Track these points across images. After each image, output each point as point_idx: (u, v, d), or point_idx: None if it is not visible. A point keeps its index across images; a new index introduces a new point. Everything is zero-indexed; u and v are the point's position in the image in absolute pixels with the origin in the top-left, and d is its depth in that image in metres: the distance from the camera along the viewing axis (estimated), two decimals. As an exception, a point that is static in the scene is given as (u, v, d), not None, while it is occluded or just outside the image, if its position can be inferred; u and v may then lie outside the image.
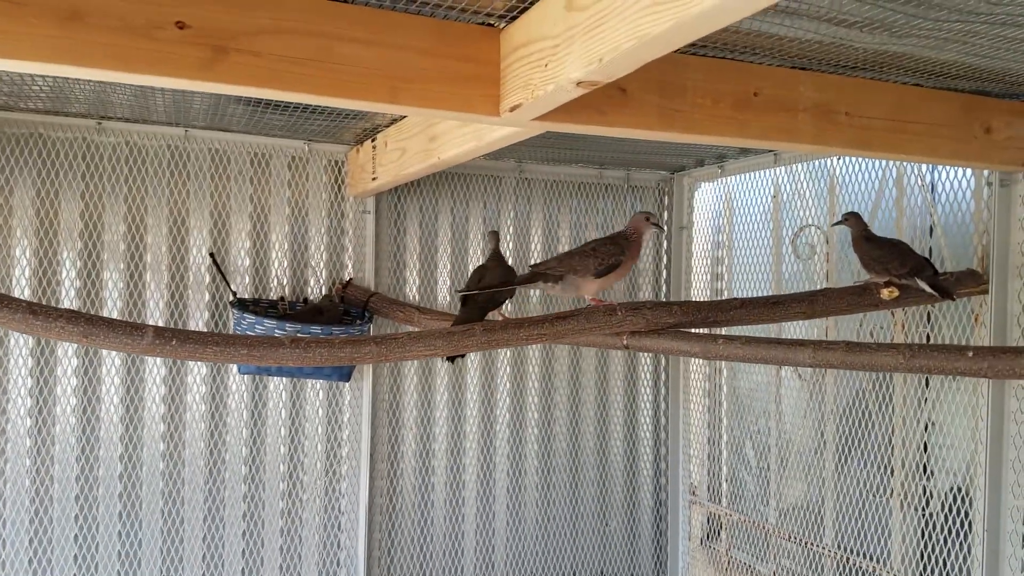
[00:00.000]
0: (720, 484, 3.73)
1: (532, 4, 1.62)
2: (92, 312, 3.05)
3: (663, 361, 3.97)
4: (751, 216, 3.53)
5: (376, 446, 3.48)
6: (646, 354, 3.92)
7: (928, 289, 2.27)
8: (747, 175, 3.53)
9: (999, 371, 1.75)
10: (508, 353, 3.69)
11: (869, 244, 2.42)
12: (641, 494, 3.94)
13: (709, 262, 3.79)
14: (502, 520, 3.71)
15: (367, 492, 3.41)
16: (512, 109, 1.70)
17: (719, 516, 3.72)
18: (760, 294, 3.45)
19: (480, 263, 2.99)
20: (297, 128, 3.10)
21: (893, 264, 2.36)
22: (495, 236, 2.72)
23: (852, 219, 2.48)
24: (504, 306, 2.97)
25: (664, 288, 3.96)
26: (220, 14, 1.54)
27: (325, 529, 3.40)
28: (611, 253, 2.45)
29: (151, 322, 3.16)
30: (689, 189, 3.88)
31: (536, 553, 3.76)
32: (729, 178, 3.65)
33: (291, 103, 2.36)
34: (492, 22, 1.74)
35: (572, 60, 1.44)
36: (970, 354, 1.78)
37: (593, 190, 3.83)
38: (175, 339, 2.16)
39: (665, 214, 3.95)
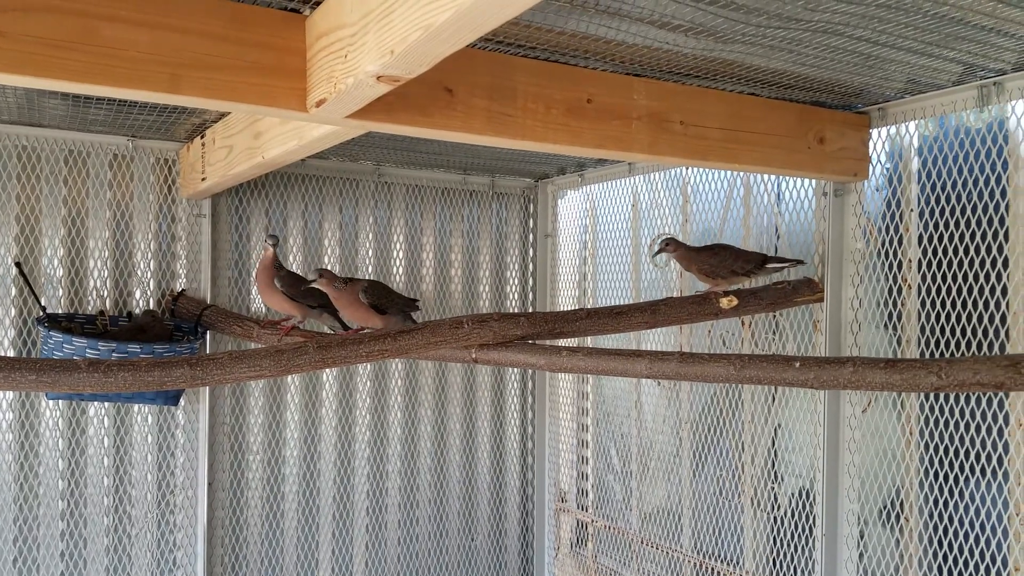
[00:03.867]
0: (587, 490, 3.69)
1: (336, -11, 1.46)
2: None
3: (520, 368, 3.90)
4: (613, 224, 3.52)
5: (216, 474, 3.19)
6: (512, 364, 3.83)
7: (784, 265, 2.45)
8: (608, 183, 3.52)
9: (824, 381, 1.75)
10: (369, 367, 3.50)
11: (701, 255, 2.43)
12: (508, 505, 3.85)
13: (575, 270, 3.75)
14: (361, 546, 3.51)
15: (205, 524, 3.12)
16: (318, 104, 1.53)
17: (585, 523, 3.69)
18: (622, 302, 3.44)
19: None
20: (119, 123, 2.80)
21: (739, 264, 2.40)
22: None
23: (672, 243, 2.50)
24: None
25: (530, 296, 3.89)
26: (-51, -17, 1.30)
27: (158, 565, 3.08)
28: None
29: (-56, 342, 2.76)
30: (553, 197, 3.83)
31: (398, 576, 3.58)
32: (591, 186, 3.62)
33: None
34: (297, 7, 1.57)
35: (368, 51, 1.29)
36: (797, 365, 1.77)
37: (457, 196, 3.71)
38: (-53, 364, 1.86)
39: (530, 221, 3.88)
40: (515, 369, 3.87)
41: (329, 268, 3.31)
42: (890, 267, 2.38)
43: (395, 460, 3.57)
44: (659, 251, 2.50)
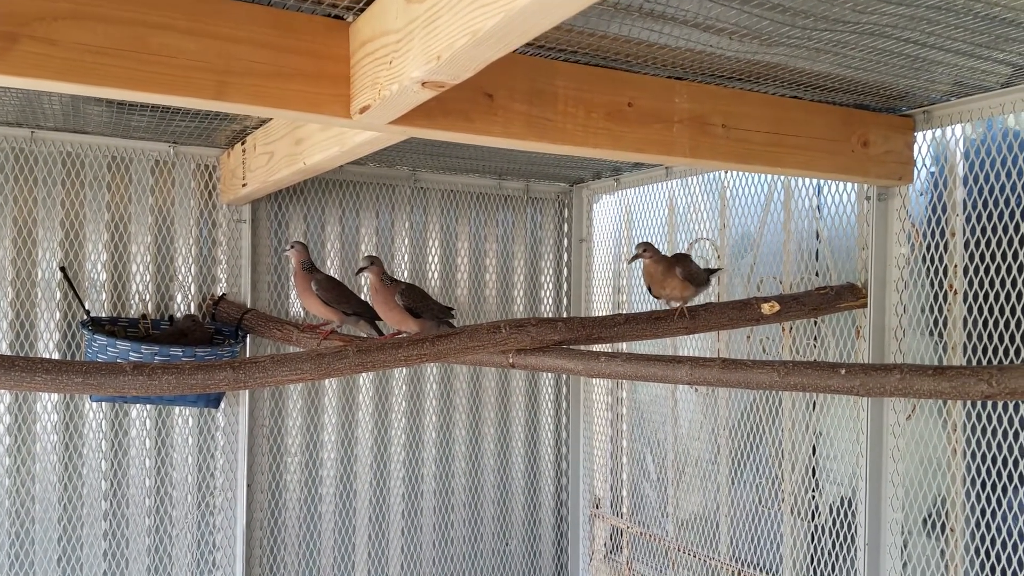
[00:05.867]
0: (622, 497, 3.66)
1: (379, -4, 1.47)
2: (-82, 334, 2.70)
3: (555, 374, 3.88)
4: (649, 229, 3.49)
5: (255, 475, 3.23)
6: (545, 369, 3.82)
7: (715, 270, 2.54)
8: (644, 188, 3.49)
9: (870, 389, 1.71)
10: (405, 371, 3.51)
11: (680, 260, 2.47)
12: (543, 510, 3.83)
13: (610, 275, 3.73)
14: (396, 549, 3.52)
15: (244, 525, 3.16)
16: (362, 110, 1.55)
17: (621, 529, 3.66)
18: (658, 307, 3.41)
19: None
20: (160, 129, 2.85)
21: (704, 274, 2.44)
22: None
23: (649, 249, 2.50)
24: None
25: (565, 301, 3.88)
26: (8, -5, 1.33)
27: (198, 566, 3.13)
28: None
29: (-7, 344, 2.84)
30: (588, 201, 3.82)
31: (431, 580, 3.59)
32: (627, 190, 3.60)
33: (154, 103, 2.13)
34: (341, 14, 1.59)
35: (413, 57, 1.30)
36: (843, 372, 1.74)
37: (492, 201, 3.71)
38: (-2, 366, 1.90)
39: (565, 226, 3.87)
40: (549, 374, 3.86)
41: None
42: (936, 272, 2.33)
43: (430, 464, 3.58)
44: (635, 256, 2.52)
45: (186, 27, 1.44)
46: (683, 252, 2.62)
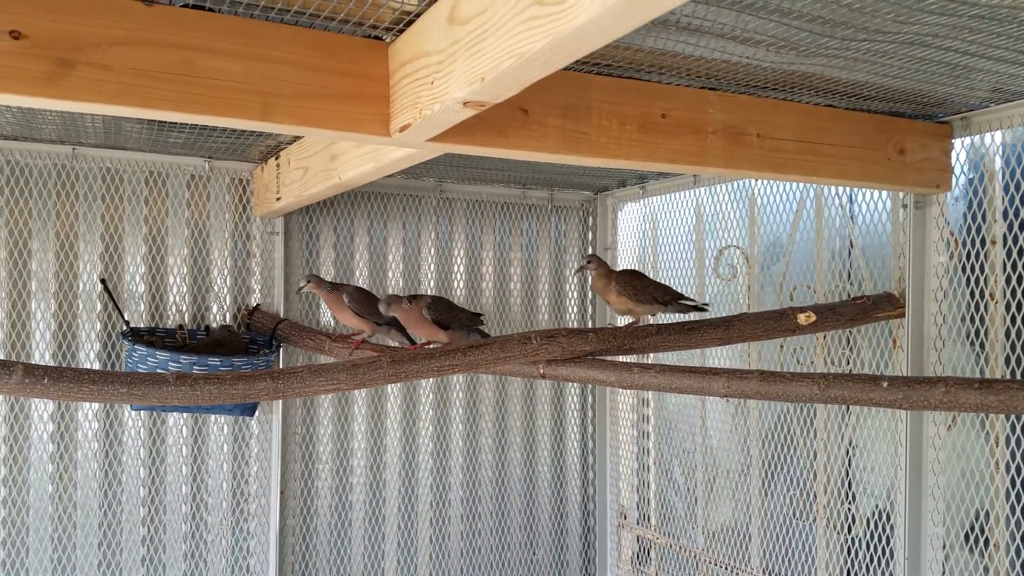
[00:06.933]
0: (649, 507, 3.65)
1: (419, 16, 1.49)
2: (-36, 345, 2.77)
3: (597, 385, 3.88)
4: (675, 237, 3.48)
5: (288, 482, 3.27)
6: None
7: (691, 305, 2.57)
8: (670, 195, 3.48)
9: (914, 402, 1.69)
10: (431, 380, 3.54)
11: (622, 276, 2.49)
12: (569, 519, 3.83)
13: (636, 282, 3.72)
14: (425, 556, 3.54)
15: (277, 531, 3.20)
16: (402, 129, 1.56)
17: (648, 539, 3.64)
18: (686, 316, 3.40)
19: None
20: (196, 145, 2.90)
21: (659, 292, 2.46)
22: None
23: (594, 261, 2.55)
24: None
25: (589, 310, 3.88)
26: (63, 23, 1.37)
27: (232, 572, 3.17)
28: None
29: (37, 355, 2.90)
30: (612, 209, 3.82)
31: (462, 588, 3.60)
32: (652, 198, 3.59)
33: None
34: (380, 35, 1.61)
35: (456, 78, 1.31)
36: (885, 384, 1.72)
37: (517, 210, 3.73)
38: (47, 377, 1.95)
39: (589, 234, 3.87)
40: (575, 383, 3.85)
41: (393, 293, 3.39)
42: (976, 281, 2.29)
43: (456, 472, 3.59)
44: (580, 268, 2.57)
45: (231, 50, 1.47)
46: (634, 268, 2.65)
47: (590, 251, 3.86)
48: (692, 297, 2.72)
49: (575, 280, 3.70)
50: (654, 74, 1.86)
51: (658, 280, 2.75)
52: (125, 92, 1.40)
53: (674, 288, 2.64)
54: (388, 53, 1.61)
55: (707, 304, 2.65)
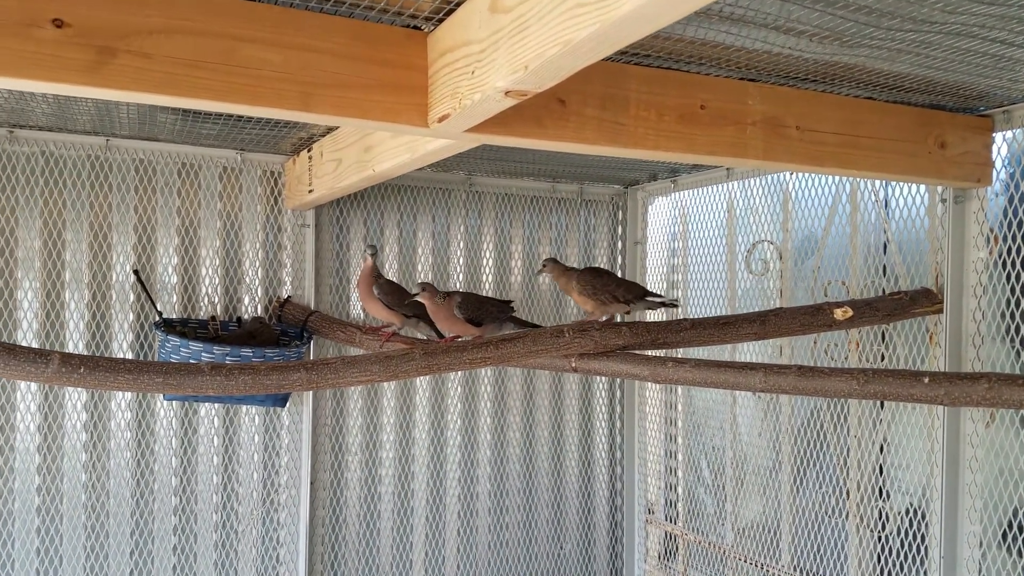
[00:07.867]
0: (676, 503, 3.63)
1: (459, 5, 1.49)
2: (4, 336, 2.82)
3: (617, 378, 3.86)
4: (706, 231, 3.45)
5: (317, 473, 3.29)
6: (601, 372, 3.81)
7: (659, 302, 2.55)
8: (701, 189, 3.45)
9: (955, 398, 1.66)
10: (459, 373, 3.54)
11: (583, 275, 2.46)
12: (596, 514, 3.82)
13: (664, 278, 3.70)
14: (453, 548, 3.55)
15: (307, 522, 3.23)
16: (441, 119, 1.56)
17: (676, 535, 3.62)
18: (715, 310, 3.37)
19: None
20: (229, 137, 2.92)
21: (620, 291, 2.44)
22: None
23: (549, 263, 2.55)
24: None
25: (619, 303, 3.85)
26: (105, 12, 1.38)
27: (262, 562, 3.20)
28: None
29: (71, 345, 2.95)
30: (643, 203, 3.79)
31: (487, 581, 3.61)
32: (683, 192, 3.56)
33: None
34: (419, 24, 1.61)
35: (498, 67, 1.31)
36: (926, 380, 1.69)
37: (546, 204, 3.71)
38: (83, 367, 1.98)
39: (619, 228, 3.85)
40: (602, 378, 3.84)
41: (430, 282, 3.39)
42: (1016, 277, 2.25)
43: (484, 465, 3.60)
44: (539, 271, 2.59)
45: (271, 39, 1.48)
46: (598, 267, 2.64)
47: (619, 246, 3.84)
48: (659, 293, 2.70)
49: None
50: (693, 65, 1.84)
51: (623, 277, 2.74)
52: (167, 82, 1.42)
53: (640, 285, 2.62)
54: (427, 43, 1.61)
55: (676, 301, 2.64)
